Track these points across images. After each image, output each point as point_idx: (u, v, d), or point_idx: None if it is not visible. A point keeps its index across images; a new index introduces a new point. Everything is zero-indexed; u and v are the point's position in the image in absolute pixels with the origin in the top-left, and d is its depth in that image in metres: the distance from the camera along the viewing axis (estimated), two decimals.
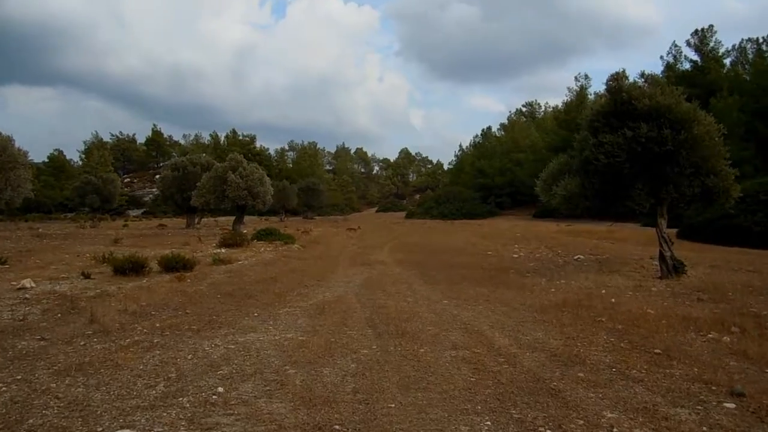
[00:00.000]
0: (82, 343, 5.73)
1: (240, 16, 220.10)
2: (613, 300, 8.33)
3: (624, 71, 11.02)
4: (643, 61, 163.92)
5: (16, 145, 20.75)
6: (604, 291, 9.37)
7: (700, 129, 10.24)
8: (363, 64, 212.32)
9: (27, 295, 8.60)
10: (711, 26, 48.33)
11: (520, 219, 50.22)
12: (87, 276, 10.80)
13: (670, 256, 10.94)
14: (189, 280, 10.61)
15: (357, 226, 38.41)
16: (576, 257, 15.54)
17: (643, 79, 14.58)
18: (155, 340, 5.79)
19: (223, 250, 17.61)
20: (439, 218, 54.58)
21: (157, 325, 6.58)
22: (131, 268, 11.35)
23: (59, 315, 7.23)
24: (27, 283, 9.57)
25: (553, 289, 9.71)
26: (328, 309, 7.71)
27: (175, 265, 12.02)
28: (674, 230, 26.67)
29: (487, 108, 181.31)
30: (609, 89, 10.73)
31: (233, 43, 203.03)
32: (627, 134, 10.01)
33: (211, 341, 5.75)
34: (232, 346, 5.53)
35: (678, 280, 10.46)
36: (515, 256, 16.77)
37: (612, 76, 10.72)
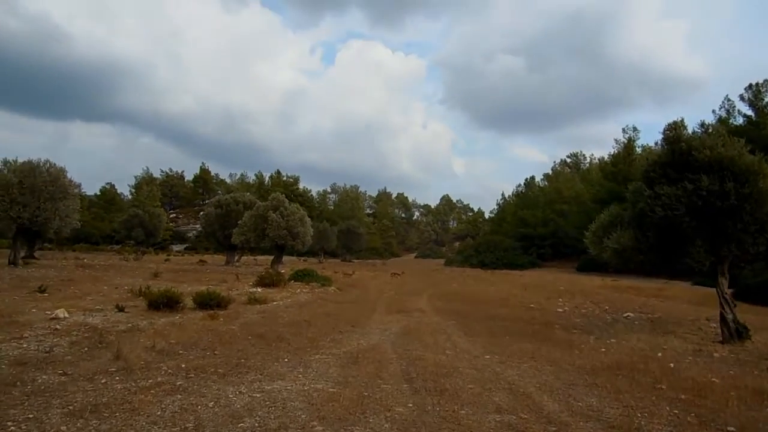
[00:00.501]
0: (103, 381, 5.46)
1: (291, 61, 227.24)
2: (671, 365, 7.62)
3: (682, 120, 10.53)
4: (691, 116, 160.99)
5: (69, 176, 21.47)
6: (660, 354, 8.65)
7: (766, 183, 9.58)
8: (408, 111, 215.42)
9: (58, 326, 8.48)
10: (766, 80, 46.93)
11: (563, 272, 48.78)
12: (121, 309, 10.69)
13: (732, 319, 10.11)
14: (222, 319, 10.35)
15: (401, 271, 37.85)
16: (625, 315, 14.69)
17: (702, 129, 13.60)
18: (178, 383, 5.47)
19: (259, 290, 17.41)
20: (479, 267, 53.57)
21: (183, 365, 6.27)
22: (165, 303, 11.21)
23: (86, 349, 7.02)
24: (60, 313, 9.49)
25: (603, 349, 9.01)
26: (362, 358, 7.27)
27: (209, 303, 11.83)
28: (730, 290, 25.31)
29: (530, 158, 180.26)
30: (667, 139, 10.21)
31: (283, 87, 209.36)
32: (687, 187, 9.42)
33: (237, 387, 5.39)
34: (258, 395, 5.15)
35: (742, 345, 9.62)
36: (560, 310, 15.99)
37: (670, 125, 10.22)
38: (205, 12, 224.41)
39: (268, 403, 4.93)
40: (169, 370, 6.00)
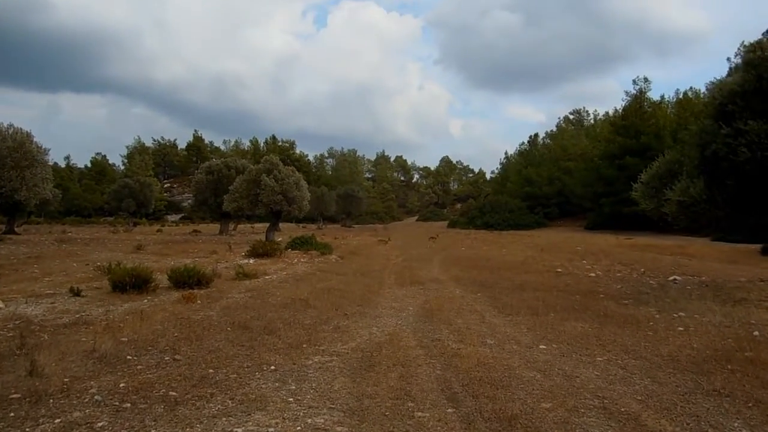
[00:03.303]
0: None
1: (282, 25, 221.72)
2: None
3: None
4: (694, 69, 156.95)
5: (36, 141, 19.25)
6: (757, 333, 6.72)
7: None
8: (403, 72, 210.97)
9: None
10: None
11: (572, 231, 46.96)
12: (76, 293, 8.74)
13: None
14: (200, 301, 8.42)
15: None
16: (671, 278, 12.76)
17: None
18: (98, 425, 3.51)
19: (251, 261, 15.51)
20: (484, 228, 51.63)
21: (122, 384, 4.30)
22: (132, 283, 9.25)
23: None
24: None
25: (680, 328, 7.07)
26: (378, 359, 5.30)
27: (186, 281, 9.91)
28: (757, 246, 23.44)
29: (526, 118, 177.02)
30: (749, 62, 8.08)
31: (275, 51, 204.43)
32: None
33: None
34: None
35: None
36: (592, 275, 14.05)
37: (753, 44, 8.10)
38: None
39: None
40: (97, 396, 4.02)
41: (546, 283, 11.90)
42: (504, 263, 16.96)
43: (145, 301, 8.51)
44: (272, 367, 4.90)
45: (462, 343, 6.01)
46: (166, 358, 5.14)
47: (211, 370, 4.72)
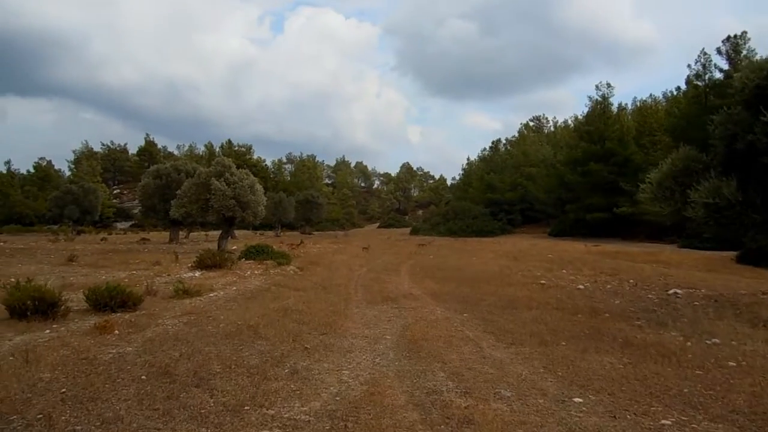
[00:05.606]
0: None
1: (238, 30, 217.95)
2: None
3: None
4: (646, 80, 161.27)
5: None
6: None
7: None
8: (361, 79, 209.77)
9: None
10: (744, 32, 44.21)
11: (536, 237, 46.11)
12: None
13: None
14: (117, 331, 6.55)
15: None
16: (671, 292, 11.46)
17: None
18: None
19: (197, 274, 13.56)
20: (447, 235, 50.29)
21: None
22: (35, 307, 7.28)
23: None
24: None
25: (731, 362, 5.58)
26: None
27: (109, 302, 7.99)
28: (729, 253, 22.78)
29: (483, 126, 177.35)
30: None
31: (230, 57, 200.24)
32: None
33: None
34: None
35: None
36: (580, 287, 12.63)
37: None
38: None
39: None
40: None
41: (536, 299, 10.39)
42: (480, 274, 15.42)
43: (47, 331, 6.59)
44: None
45: (469, 397, 4.35)
46: None
47: None
